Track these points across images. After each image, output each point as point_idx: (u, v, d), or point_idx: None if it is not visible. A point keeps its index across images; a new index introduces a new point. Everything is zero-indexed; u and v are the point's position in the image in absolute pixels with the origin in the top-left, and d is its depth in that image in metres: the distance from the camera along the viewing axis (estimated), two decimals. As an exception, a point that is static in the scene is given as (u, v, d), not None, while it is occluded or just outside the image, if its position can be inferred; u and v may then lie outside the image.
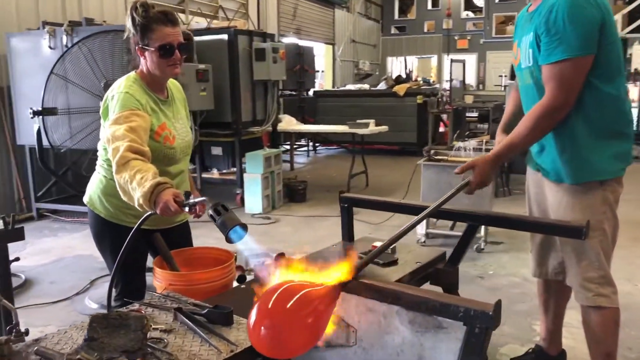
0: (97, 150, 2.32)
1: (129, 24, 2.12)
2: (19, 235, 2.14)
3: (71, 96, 5.28)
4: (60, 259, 4.55)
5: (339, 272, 1.57)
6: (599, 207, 2.11)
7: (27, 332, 1.79)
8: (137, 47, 2.14)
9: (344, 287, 1.57)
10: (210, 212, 1.78)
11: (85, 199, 2.37)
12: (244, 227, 1.78)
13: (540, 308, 2.63)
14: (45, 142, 5.40)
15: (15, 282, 3.94)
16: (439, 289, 2.43)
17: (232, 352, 1.67)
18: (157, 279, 2.24)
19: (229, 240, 1.76)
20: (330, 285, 1.50)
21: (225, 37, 6.32)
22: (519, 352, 2.85)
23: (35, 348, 1.60)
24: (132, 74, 2.21)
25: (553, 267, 2.42)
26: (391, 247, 2.51)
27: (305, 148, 11.61)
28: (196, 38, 6.22)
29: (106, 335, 1.65)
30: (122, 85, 2.13)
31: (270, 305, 1.42)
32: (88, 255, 4.43)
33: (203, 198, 1.88)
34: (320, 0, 14.50)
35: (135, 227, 2.07)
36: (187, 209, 1.83)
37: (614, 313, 2.17)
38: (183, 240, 2.51)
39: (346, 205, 2.72)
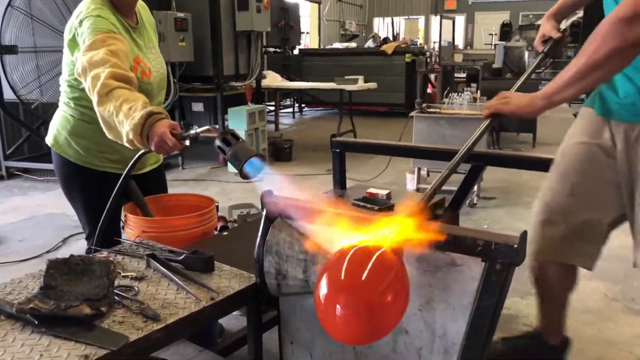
0: None
1: None
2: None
3: (37, 36, 4.78)
4: (31, 217, 4.28)
5: (398, 223, 1.21)
6: None
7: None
8: None
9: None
10: (218, 143, 1.48)
11: (49, 140, 2.11)
12: (262, 157, 1.49)
13: (538, 295, 2.05)
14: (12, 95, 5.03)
15: (-21, 240, 3.70)
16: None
17: (212, 299, 1.46)
18: (129, 226, 2.03)
19: (243, 175, 1.46)
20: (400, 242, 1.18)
21: (205, -16, 5.94)
22: (520, 304, 2.70)
23: (-18, 298, 1.38)
24: None
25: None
26: (387, 193, 2.36)
27: (290, 109, 11.28)
28: (174, -15, 5.87)
29: (66, 283, 1.43)
30: (90, 8, 1.82)
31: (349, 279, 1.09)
32: (61, 214, 4.17)
33: (207, 127, 1.58)
34: (305, -43, 13.97)
35: (126, 170, 1.83)
36: (187, 142, 1.55)
37: None
38: (157, 186, 2.29)
39: (338, 150, 2.51)
